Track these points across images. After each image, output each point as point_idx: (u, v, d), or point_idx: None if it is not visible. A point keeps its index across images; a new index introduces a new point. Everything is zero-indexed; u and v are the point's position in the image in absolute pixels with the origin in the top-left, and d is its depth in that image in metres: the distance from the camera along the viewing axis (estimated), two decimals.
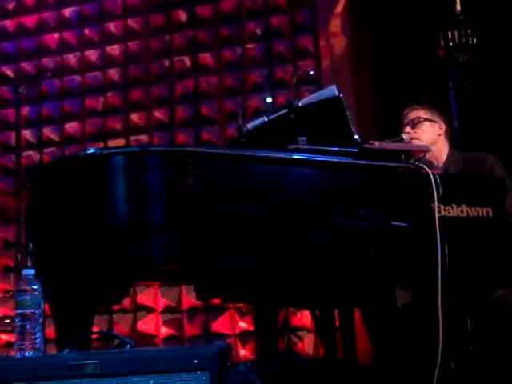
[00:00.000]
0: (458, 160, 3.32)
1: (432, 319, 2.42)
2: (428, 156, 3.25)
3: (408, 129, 3.33)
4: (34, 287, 2.01)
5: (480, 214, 2.66)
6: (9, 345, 4.74)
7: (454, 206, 2.60)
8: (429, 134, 3.35)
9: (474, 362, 2.59)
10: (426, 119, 3.36)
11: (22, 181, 4.37)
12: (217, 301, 4.01)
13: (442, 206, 2.55)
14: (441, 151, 3.37)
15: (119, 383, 1.78)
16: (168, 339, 4.70)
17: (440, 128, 3.39)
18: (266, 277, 2.64)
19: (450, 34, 4.21)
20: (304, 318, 4.41)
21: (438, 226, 2.48)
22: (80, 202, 2.36)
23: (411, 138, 3.25)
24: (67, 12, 5.35)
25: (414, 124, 3.35)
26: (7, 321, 4.23)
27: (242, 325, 4.56)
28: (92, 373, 1.79)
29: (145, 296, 4.73)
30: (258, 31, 4.89)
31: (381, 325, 2.83)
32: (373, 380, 2.91)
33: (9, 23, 5.44)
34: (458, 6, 4.24)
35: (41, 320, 2.02)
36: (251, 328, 4.39)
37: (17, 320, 2.00)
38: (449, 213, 2.58)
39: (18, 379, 1.83)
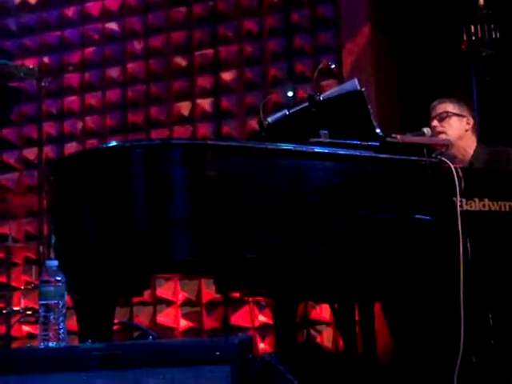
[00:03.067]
0: (483, 155, 3.29)
1: (454, 314, 2.41)
2: (455, 150, 3.24)
3: (435, 122, 3.29)
4: (58, 278, 2.03)
5: (502, 209, 2.64)
6: (31, 336, 4.80)
7: (477, 200, 2.58)
8: (456, 129, 3.32)
9: (495, 357, 2.58)
10: (454, 114, 3.32)
11: (43, 174, 4.41)
12: (236, 294, 4.02)
13: (464, 200, 2.54)
14: (468, 146, 3.33)
15: (142, 374, 1.79)
16: (187, 332, 4.72)
17: (468, 123, 3.35)
18: (287, 271, 2.65)
19: (473, 28, 4.17)
20: (323, 311, 4.41)
21: (460, 220, 2.47)
22: (102, 195, 2.38)
23: (438, 132, 3.24)
24: (89, 7, 5.38)
25: (442, 118, 3.31)
26: (29, 312, 4.27)
27: (262, 318, 4.57)
28: (115, 363, 1.80)
29: (164, 289, 4.75)
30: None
31: (401, 318, 2.82)
32: (392, 374, 2.91)
33: (32, 17, 5.48)
34: (482, 1, 4.20)
35: (64, 311, 2.03)
36: (270, 321, 4.40)
37: (41, 311, 2.02)
38: (471, 207, 2.56)
39: (42, 369, 1.85)
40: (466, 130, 3.35)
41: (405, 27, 4.74)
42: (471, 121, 3.36)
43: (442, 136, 3.22)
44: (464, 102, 3.44)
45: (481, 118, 3.78)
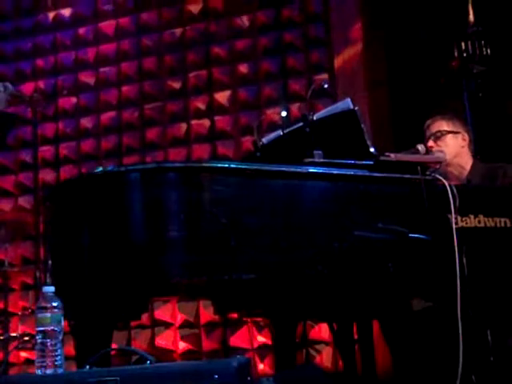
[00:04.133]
0: (480, 171, 3.27)
1: (452, 331, 2.41)
2: (452, 168, 3.23)
3: (431, 142, 3.25)
4: (55, 304, 2.02)
5: (498, 225, 2.64)
6: (28, 362, 4.77)
7: (472, 216, 2.59)
8: (452, 147, 3.28)
9: (494, 375, 2.57)
10: (449, 131, 3.29)
11: (39, 198, 4.41)
12: (234, 315, 4.01)
13: (459, 217, 2.54)
14: (464, 162, 3.30)
15: None
16: (186, 354, 4.70)
17: (463, 139, 3.31)
18: (284, 291, 2.64)
19: (463, 44, 4.20)
20: (322, 331, 4.40)
21: (456, 237, 2.47)
22: (98, 219, 2.38)
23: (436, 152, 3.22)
24: (82, 30, 5.41)
25: (437, 137, 3.28)
26: (26, 338, 4.25)
27: (260, 339, 4.55)
28: None
29: (162, 311, 4.73)
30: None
31: (399, 336, 2.81)
32: None
33: (25, 44, 5.51)
34: (472, 17, 4.24)
35: (61, 337, 2.02)
36: (269, 342, 4.38)
37: (38, 337, 2.01)
38: (466, 223, 2.57)
39: None
40: (462, 147, 3.31)
41: (396, 45, 4.77)
42: (466, 137, 3.33)
43: (440, 153, 3.21)
44: (458, 118, 3.43)
45: (474, 133, 3.79)
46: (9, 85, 3.11)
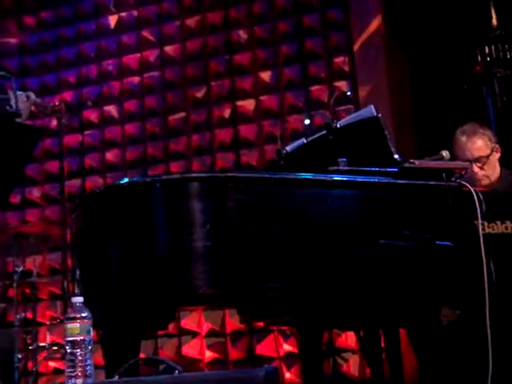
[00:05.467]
0: (508, 178, 3.24)
1: (480, 338, 2.39)
2: (493, 180, 3.20)
3: (476, 169, 3.19)
4: (84, 315, 2.04)
5: None
6: (57, 371, 4.81)
7: (499, 222, 2.57)
8: (495, 165, 3.25)
9: None
10: (491, 153, 3.23)
11: (66, 209, 4.45)
12: (260, 323, 4.01)
13: (485, 223, 2.53)
14: (497, 172, 3.27)
15: None
16: (212, 363, 4.71)
17: (497, 151, 3.27)
18: (309, 299, 2.64)
19: (486, 49, 4.18)
20: (349, 339, 4.38)
21: (483, 243, 2.46)
22: (125, 230, 2.40)
23: (483, 178, 3.19)
24: (106, 41, 5.48)
25: (483, 163, 3.21)
26: (55, 348, 4.29)
27: (287, 347, 4.55)
28: None
29: (189, 320, 4.75)
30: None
31: (427, 344, 2.80)
32: None
33: (50, 56, 5.59)
34: (495, 21, 4.21)
35: (90, 347, 2.04)
36: (296, 350, 4.37)
37: (67, 347, 2.03)
38: (493, 230, 2.55)
39: None
40: (499, 158, 3.29)
41: (419, 51, 4.76)
42: (499, 148, 3.30)
43: (486, 180, 3.18)
44: (487, 128, 3.35)
45: (498, 138, 3.76)
46: (32, 94, 3.16)
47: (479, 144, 3.25)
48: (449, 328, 2.71)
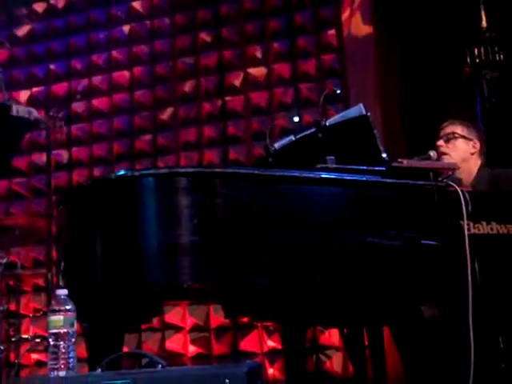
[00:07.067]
0: (485, 177, 3.29)
1: (463, 337, 2.41)
2: (458, 173, 3.24)
3: (441, 142, 3.30)
4: (67, 307, 2.03)
5: (510, 231, 2.63)
6: (39, 364, 4.80)
7: (484, 223, 2.58)
8: (461, 151, 3.31)
9: (506, 381, 2.56)
10: (461, 136, 3.32)
11: (52, 201, 4.43)
12: (245, 319, 4.01)
13: (471, 224, 2.54)
14: (471, 169, 3.32)
15: None
16: (196, 358, 4.71)
17: (474, 147, 3.34)
18: (295, 296, 2.65)
19: (476, 50, 4.20)
20: (332, 336, 4.39)
21: (468, 244, 2.47)
22: (110, 223, 2.39)
23: (441, 152, 3.25)
24: (97, 35, 5.45)
25: (449, 139, 3.32)
26: (38, 340, 4.27)
27: (270, 343, 4.56)
28: None
29: (173, 315, 4.75)
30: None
31: (410, 342, 2.81)
32: None
33: (38, 47, 5.55)
34: (484, 23, 4.23)
35: (73, 339, 2.04)
36: (279, 346, 4.38)
37: (50, 339, 2.02)
38: (478, 230, 2.56)
39: None
40: (472, 154, 3.34)
41: (409, 51, 4.77)
42: (478, 145, 3.36)
43: (445, 157, 3.24)
44: (474, 126, 3.45)
45: (486, 139, 3.78)
46: (34, 112, 3.18)
47: (455, 125, 3.35)
48: (432, 326, 2.72)
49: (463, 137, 3.33)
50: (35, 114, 3.16)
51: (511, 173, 3.23)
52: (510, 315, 2.66)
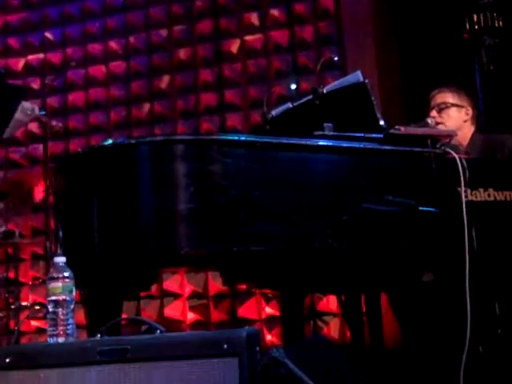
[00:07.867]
0: (478, 143, 3.29)
1: (460, 303, 2.42)
2: (454, 141, 3.24)
3: (434, 113, 3.29)
4: (66, 274, 2.04)
5: (508, 198, 2.64)
6: (39, 331, 4.83)
7: (481, 190, 2.59)
8: (454, 120, 3.31)
9: (502, 347, 2.59)
10: (453, 104, 3.31)
11: (49, 170, 4.42)
12: (243, 286, 4.04)
13: (468, 191, 2.54)
14: (464, 135, 3.32)
15: (150, 368, 1.81)
16: (195, 325, 4.74)
17: (466, 113, 3.34)
18: (292, 263, 2.66)
19: (475, 17, 4.15)
20: (330, 302, 4.42)
21: (465, 211, 2.48)
22: (108, 192, 2.40)
23: (436, 123, 3.24)
24: (91, 3, 5.38)
25: (441, 109, 3.31)
26: (37, 307, 4.30)
27: (268, 310, 4.58)
28: (123, 358, 1.82)
29: (171, 282, 4.77)
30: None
31: (407, 308, 2.83)
32: (400, 364, 2.92)
33: (33, 15, 5.49)
34: None
35: (72, 306, 2.04)
36: (277, 313, 4.41)
37: (49, 307, 2.03)
38: (476, 197, 2.57)
39: (51, 365, 1.87)
40: (465, 121, 3.34)
41: (407, 18, 4.73)
42: (470, 111, 3.35)
43: (440, 127, 3.23)
44: (464, 91, 3.43)
45: (485, 106, 3.77)
46: (36, 108, 3.16)
47: (445, 93, 3.34)
48: (429, 292, 2.74)
49: (455, 105, 3.32)
50: (37, 111, 3.15)
51: (507, 139, 3.23)
52: (507, 282, 2.68)
